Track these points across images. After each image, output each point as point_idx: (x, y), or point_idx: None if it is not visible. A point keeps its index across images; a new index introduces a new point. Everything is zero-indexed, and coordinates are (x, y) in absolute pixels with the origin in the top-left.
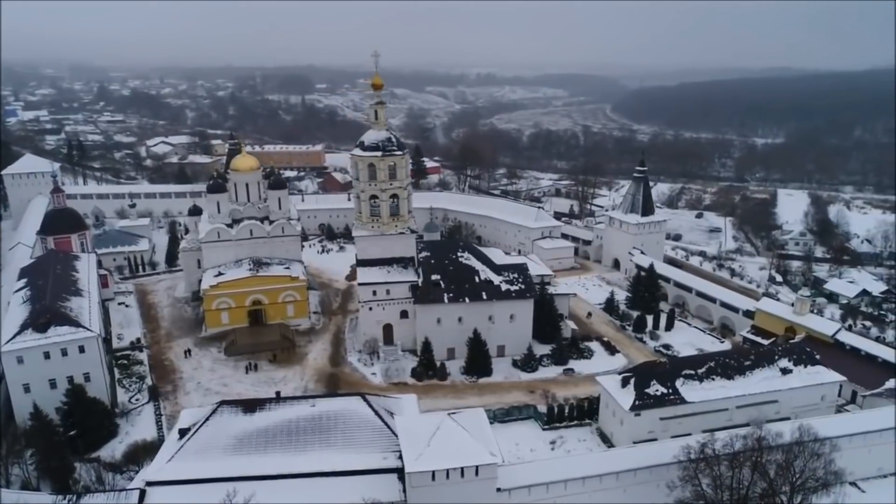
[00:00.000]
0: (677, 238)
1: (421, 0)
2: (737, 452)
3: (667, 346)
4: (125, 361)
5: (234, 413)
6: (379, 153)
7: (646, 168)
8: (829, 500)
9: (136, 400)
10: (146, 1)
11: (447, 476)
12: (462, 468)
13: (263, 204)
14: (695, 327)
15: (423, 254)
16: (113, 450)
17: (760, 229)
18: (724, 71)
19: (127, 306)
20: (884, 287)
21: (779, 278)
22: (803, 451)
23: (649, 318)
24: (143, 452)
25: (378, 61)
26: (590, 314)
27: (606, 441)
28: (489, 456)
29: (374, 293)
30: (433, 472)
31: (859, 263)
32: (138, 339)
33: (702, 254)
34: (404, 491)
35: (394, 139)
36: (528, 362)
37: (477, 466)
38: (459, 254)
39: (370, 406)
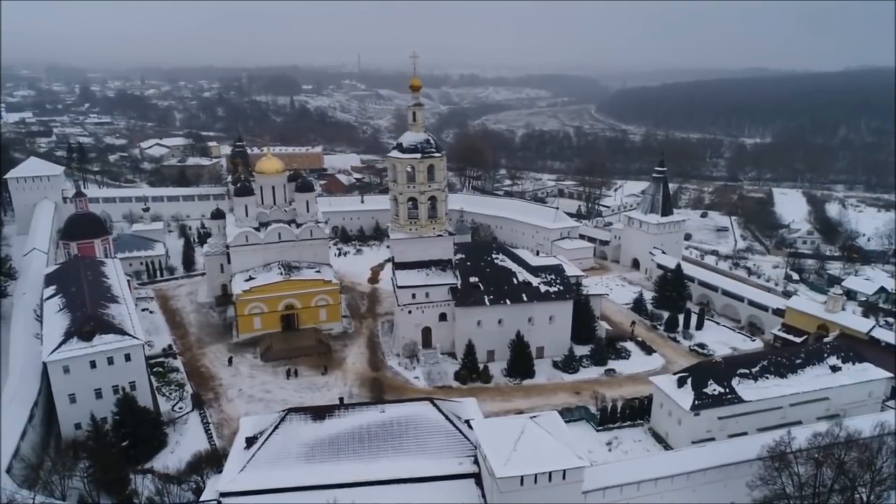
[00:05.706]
0: (687, 237)
1: (399, 0)
2: (822, 447)
3: (701, 346)
4: (160, 369)
5: (304, 420)
6: (418, 155)
7: (665, 168)
8: None
9: (180, 408)
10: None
11: (535, 480)
12: (550, 472)
13: (290, 207)
14: (724, 326)
15: (458, 256)
16: (165, 460)
17: (766, 228)
18: (705, 72)
19: (151, 312)
20: None
21: (795, 276)
22: (881, 448)
23: (679, 318)
24: (204, 463)
25: (416, 63)
26: (634, 323)
27: (661, 441)
28: (577, 459)
29: (414, 296)
30: (521, 477)
31: (869, 261)
32: (170, 346)
33: (715, 253)
34: (483, 496)
35: (431, 141)
36: (569, 363)
37: (565, 470)
38: (494, 255)
39: (440, 411)
